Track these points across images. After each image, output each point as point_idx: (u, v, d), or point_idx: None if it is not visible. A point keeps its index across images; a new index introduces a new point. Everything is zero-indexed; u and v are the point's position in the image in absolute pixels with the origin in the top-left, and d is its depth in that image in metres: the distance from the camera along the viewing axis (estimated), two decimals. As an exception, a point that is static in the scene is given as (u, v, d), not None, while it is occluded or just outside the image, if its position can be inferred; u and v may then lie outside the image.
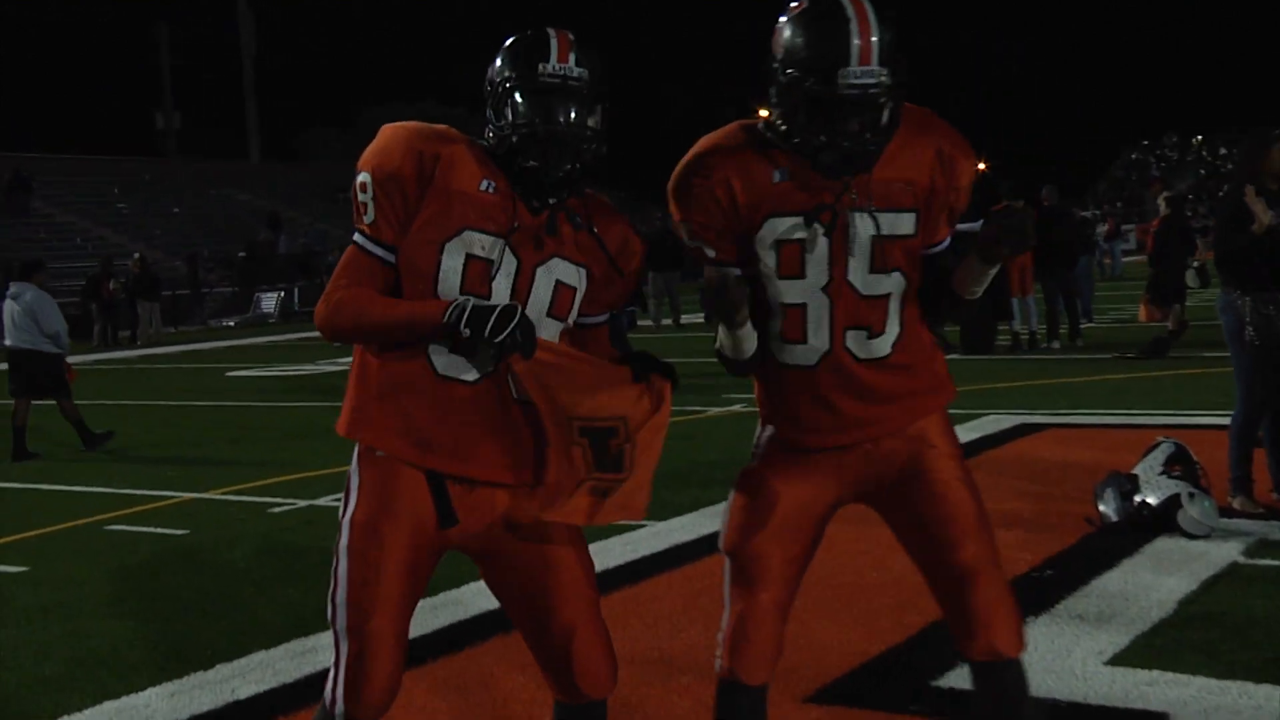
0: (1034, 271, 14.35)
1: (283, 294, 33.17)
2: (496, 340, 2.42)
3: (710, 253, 2.75)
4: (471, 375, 2.55)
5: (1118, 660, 4.18)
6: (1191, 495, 5.71)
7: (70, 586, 6.06)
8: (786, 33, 2.63)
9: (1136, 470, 5.99)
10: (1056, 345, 14.31)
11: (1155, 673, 4.03)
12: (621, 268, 2.74)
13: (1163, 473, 5.86)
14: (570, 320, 2.69)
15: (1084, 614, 4.68)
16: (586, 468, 2.55)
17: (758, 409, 2.95)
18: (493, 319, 2.42)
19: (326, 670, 2.61)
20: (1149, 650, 4.26)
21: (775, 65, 2.65)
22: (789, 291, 2.70)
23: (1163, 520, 5.72)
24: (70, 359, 11.00)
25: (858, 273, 2.68)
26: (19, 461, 10.42)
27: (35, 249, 35.24)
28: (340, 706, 2.53)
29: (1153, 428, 7.96)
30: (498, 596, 2.75)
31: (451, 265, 2.53)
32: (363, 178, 2.57)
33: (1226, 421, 6.33)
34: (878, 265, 2.68)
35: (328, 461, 9.05)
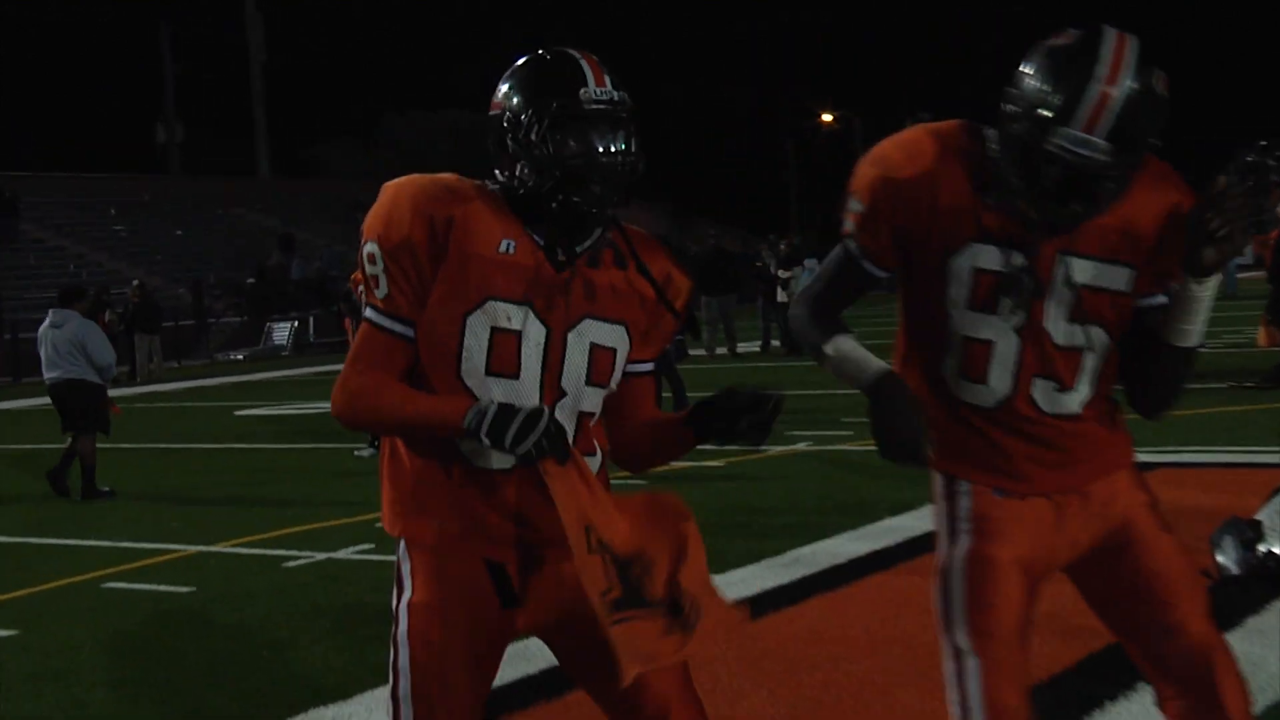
0: None
1: (296, 324, 33.33)
2: (518, 451, 2.42)
3: (869, 264, 2.75)
4: (507, 463, 2.55)
5: (1240, 730, 4.12)
6: (1321, 542, 5.65)
7: (65, 651, 6.11)
8: (1032, 60, 2.58)
9: (1260, 516, 5.93)
10: None
11: (1282, 745, 3.99)
12: (671, 301, 2.73)
13: (1289, 518, 5.80)
14: (614, 384, 2.68)
15: (1200, 678, 4.62)
16: (608, 583, 2.52)
17: (944, 470, 2.87)
18: (514, 428, 2.41)
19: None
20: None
21: (1011, 88, 2.59)
22: (976, 326, 2.69)
23: (1290, 572, 5.67)
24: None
25: (1056, 320, 2.67)
26: (88, 499, 10.63)
27: (22, 276, 35.83)
28: None
29: (1277, 467, 7.87)
30: (573, 674, 2.79)
31: (475, 343, 2.53)
32: (370, 248, 2.55)
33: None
34: (1078, 315, 2.67)
35: (348, 510, 9.13)
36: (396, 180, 2.59)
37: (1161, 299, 2.72)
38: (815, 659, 5.01)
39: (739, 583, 6.39)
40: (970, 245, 2.65)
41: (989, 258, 2.64)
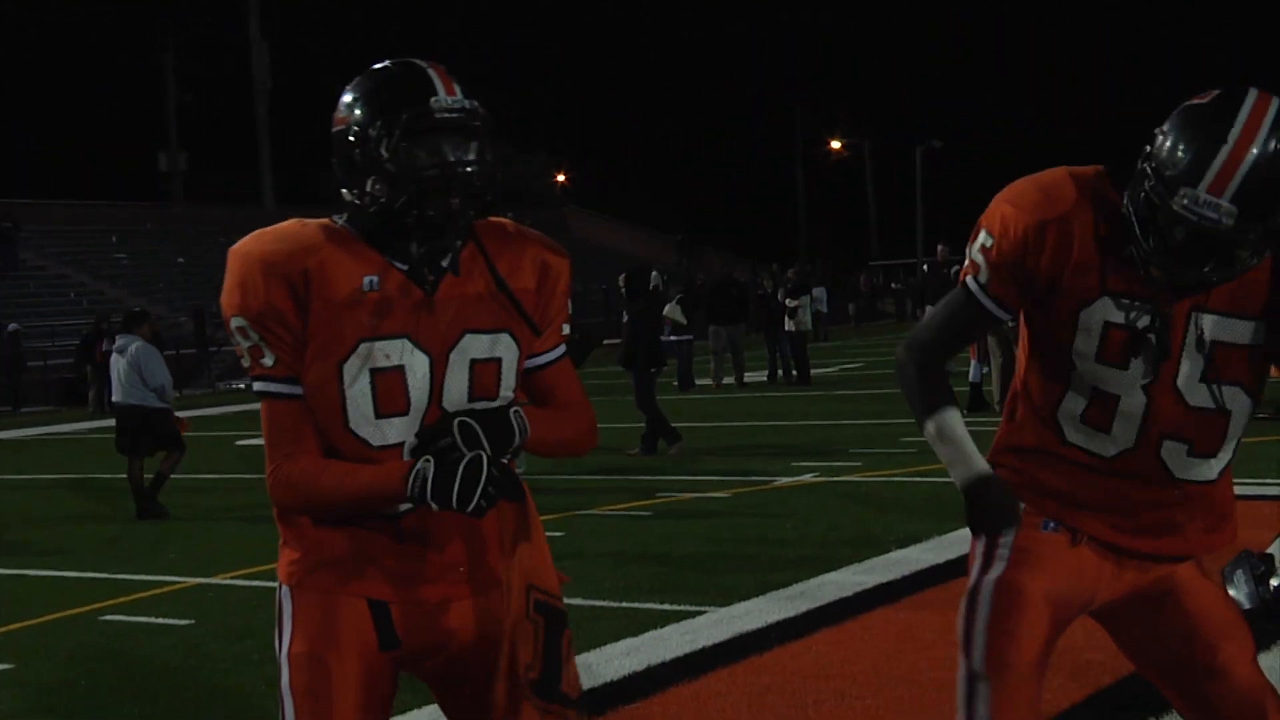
0: None
1: (299, 354, 33.39)
2: (468, 511, 2.36)
3: (993, 306, 2.72)
4: (403, 506, 2.48)
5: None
6: (1334, 577, 5.63)
7: (61, 687, 6.11)
8: (1171, 120, 2.55)
9: (1273, 549, 5.91)
10: None
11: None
12: (547, 298, 2.63)
13: (1301, 551, 5.79)
14: (505, 391, 2.58)
15: (1212, 714, 4.60)
16: (535, 658, 2.50)
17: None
18: (457, 487, 2.33)
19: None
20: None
21: (1147, 146, 2.57)
22: (1104, 379, 2.67)
23: (1304, 606, 5.65)
24: (61, 427, 11.22)
25: (1190, 380, 2.66)
26: (144, 519, 10.87)
27: (23, 305, 35.91)
28: None
29: (1289, 498, 7.85)
30: (449, 714, 2.69)
31: (358, 390, 2.44)
32: (236, 322, 2.46)
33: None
34: (1212, 375, 2.65)
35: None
36: (238, 246, 2.50)
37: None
38: (820, 694, 4.99)
39: (745, 615, 6.38)
40: (1103, 298, 2.62)
41: (1121, 313, 2.62)
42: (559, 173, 64.62)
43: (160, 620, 7.31)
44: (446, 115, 2.46)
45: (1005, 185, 2.75)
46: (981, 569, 2.77)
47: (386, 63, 2.58)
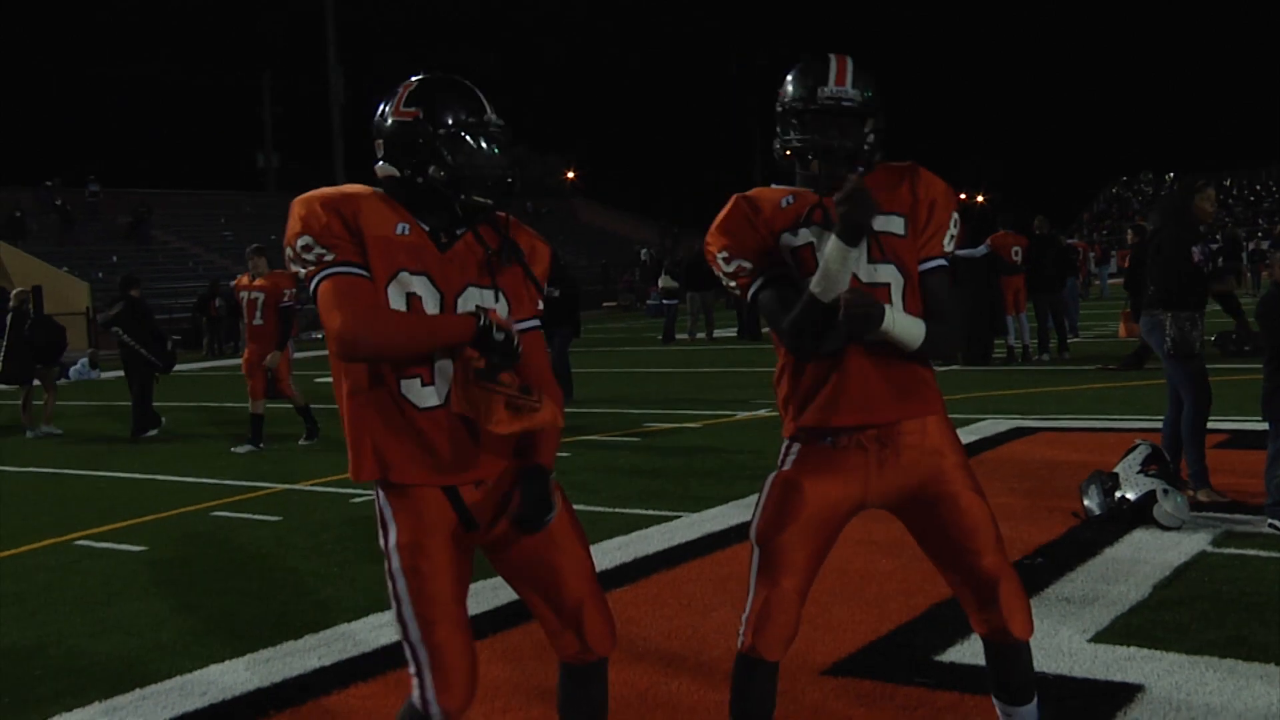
0: (1026, 292, 14.28)
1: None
2: (512, 356, 2.46)
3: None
4: (436, 400, 2.48)
5: (1099, 638, 4.13)
6: (1166, 491, 5.66)
7: (181, 565, 6.13)
8: (787, 79, 2.77)
9: (1117, 469, 5.93)
10: (1046, 358, 14.21)
11: (1133, 649, 3.99)
12: (533, 271, 2.65)
13: (1140, 471, 5.80)
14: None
15: (1070, 597, 4.63)
16: (477, 354, 2.48)
17: (781, 414, 2.88)
18: (516, 339, 2.45)
19: (399, 643, 2.59)
20: (1127, 629, 4.22)
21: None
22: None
23: (1140, 514, 5.67)
24: (181, 367, 11.18)
25: (859, 263, 2.66)
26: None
27: (154, 272, 35.77)
28: (435, 708, 2.49)
29: (1131, 431, 7.88)
30: (509, 579, 2.67)
31: (398, 305, 2.46)
32: (304, 240, 2.44)
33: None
34: (874, 256, 2.68)
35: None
36: (300, 197, 2.50)
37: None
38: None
39: (712, 519, 6.39)
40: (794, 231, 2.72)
41: (799, 239, 2.72)
42: (569, 170, 64.23)
43: (256, 516, 7.30)
44: (496, 129, 2.54)
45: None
46: (778, 467, 2.80)
47: (438, 75, 2.59)
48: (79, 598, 5.55)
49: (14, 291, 13.55)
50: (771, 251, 2.74)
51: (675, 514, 6.58)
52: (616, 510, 6.82)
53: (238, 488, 8.45)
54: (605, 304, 42.30)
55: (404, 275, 2.46)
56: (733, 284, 2.82)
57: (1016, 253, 14.23)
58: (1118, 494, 5.78)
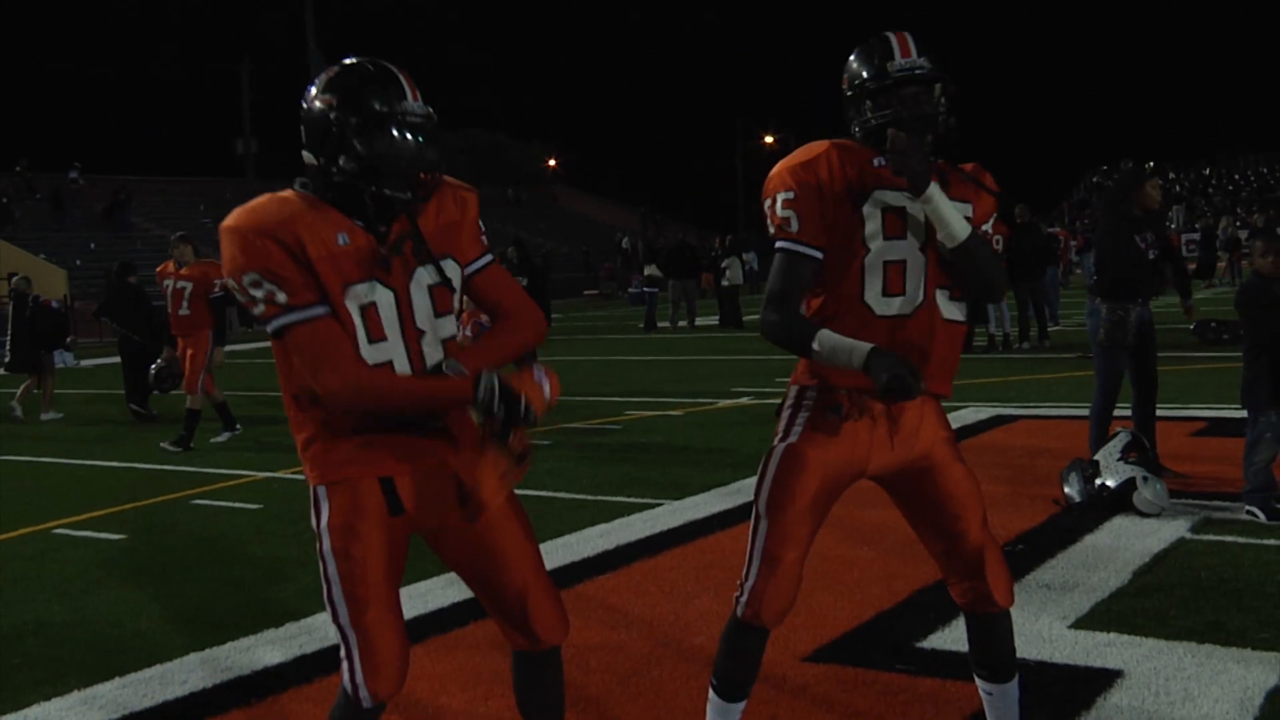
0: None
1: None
2: (529, 415, 2.41)
3: (804, 247, 2.72)
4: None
5: (1079, 624, 4.16)
6: (1145, 479, 5.69)
7: (161, 553, 6.09)
8: (850, 62, 2.80)
9: (1097, 457, 5.96)
10: (1026, 346, 14.28)
11: (1112, 634, 4.02)
12: (469, 220, 2.60)
13: (1120, 459, 5.83)
14: (457, 304, 2.57)
15: (1050, 583, 4.65)
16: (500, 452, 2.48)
17: (799, 384, 2.81)
18: (523, 406, 2.40)
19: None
20: (1107, 615, 4.24)
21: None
22: (891, 251, 2.69)
23: (1120, 501, 5.70)
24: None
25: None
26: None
27: (135, 259, 35.49)
28: (364, 692, 2.46)
29: (1112, 419, 7.91)
30: (454, 567, 2.65)
31: (355, 320, 2.40)
32: (250, 278, 2.35)
33: (1177, 414, 6.31)
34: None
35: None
36: (230, 222, 2.41)
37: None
38: (751, 566, 5.01)
39: (693, 506, 6.39)
40: (876, 192, 2.68)
41: (892, 197, 2.69)
42: (550, 158, 64.08)
43: (237, 504, 7.27)
44: (414, 118, 2.44)
45: None
46: (781, 438, 2.79)
47: (362, 60, 2.50)
48: (57, 586, 5.52)
49: (14, 279, 13.48)
50: (841, 213, 2.66)
51: (657, 501, 6.58)
52: (598, 498, 6.81)
53: (217, 475, 8.41)
54: (586, 292, 42.26)
55: (355, 289, 2.40)
56: (772, 228, 2.73)
57: (998, 241, 14.24)
58: (1098, 481, 5.82)
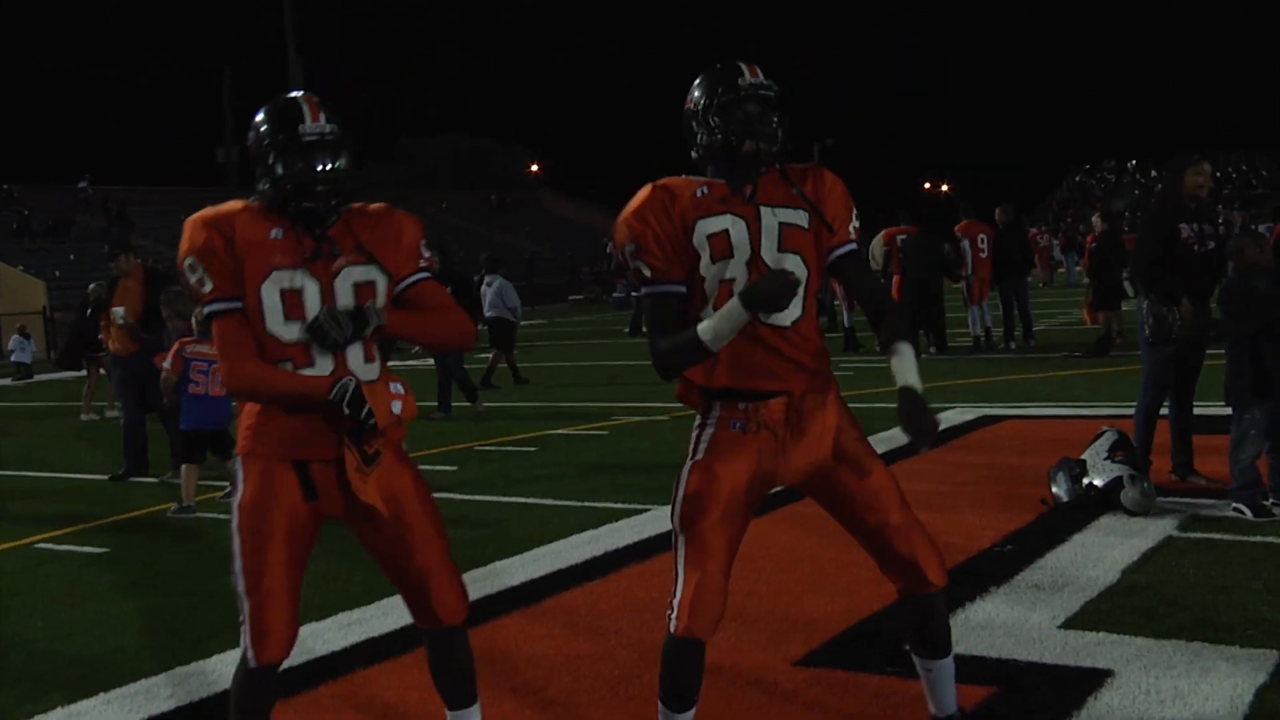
0: (989, 282, 14.37)
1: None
2: (369, 421, 2.75)
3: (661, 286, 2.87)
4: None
5: (1069, 624, 4.17)
6: (1133, 478, 5.71)
7: (145, 566, 6.06)
8: (693, 91, 2.93)
9: (1084, 456, 5.98)
10: (1013, 346, 14.30)
11: (1102, 634, 4.02)
12: (406, 245, 2.92)
13: (1107, 458, 5.85)
14: (379, 302, 2.86)
15: (1039, 583, 4.66)
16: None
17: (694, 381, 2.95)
18: (365, 408, 2.74)
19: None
20: (1096, 614, 4.25)
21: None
22: (722, 273, 2.82)
23: (1107, 500, 5.72)
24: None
25: (769, 251, 2.82)
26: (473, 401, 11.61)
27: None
28: (250, 653, 2.80)
29: (1098, 418, 7.94)
30: (369, 550, 2.93)
31: (271, 303, 2.77)
32: (188, 261, 2.79)
33: (1165, 412, 6.33)
34: (783, 246, 2.83)
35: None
36: (192, 216, 2.83)
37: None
38: (742, 573, 4.93)
39: (680, 511, 6.38)
40: (717, 217, 2.81)
41: (717, 223, 2.81)
42: (534, 162, 64.06)
43: (222, 516, 7.22)
44: (310, 138, 2.79)
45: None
46: (690, 456, 2.90)
47: (283, 95, 2.92)
48: (40, 601, 5.48)
49: (91, 287, 13.81)
50: (679, 248, 2.82)
51: (645, 507, 6.57)
52: (585, 504, 6.80)
53: (201, 487, 8.36)
54: (571, 297, 42.23)
55: (277, 273, 2.78)
56: (632, 277, 2.91)
57: (982, 240, 14.29)
58: (1085, 480, 5.83)
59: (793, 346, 2.84)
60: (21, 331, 23.07)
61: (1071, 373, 11.52)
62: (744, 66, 2.88)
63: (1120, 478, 5.71)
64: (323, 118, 2.80)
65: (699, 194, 2.83)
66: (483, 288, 13.94)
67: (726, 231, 2.80)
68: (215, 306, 2.79)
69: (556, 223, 55.34)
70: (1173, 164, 6.47)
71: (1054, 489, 5.97)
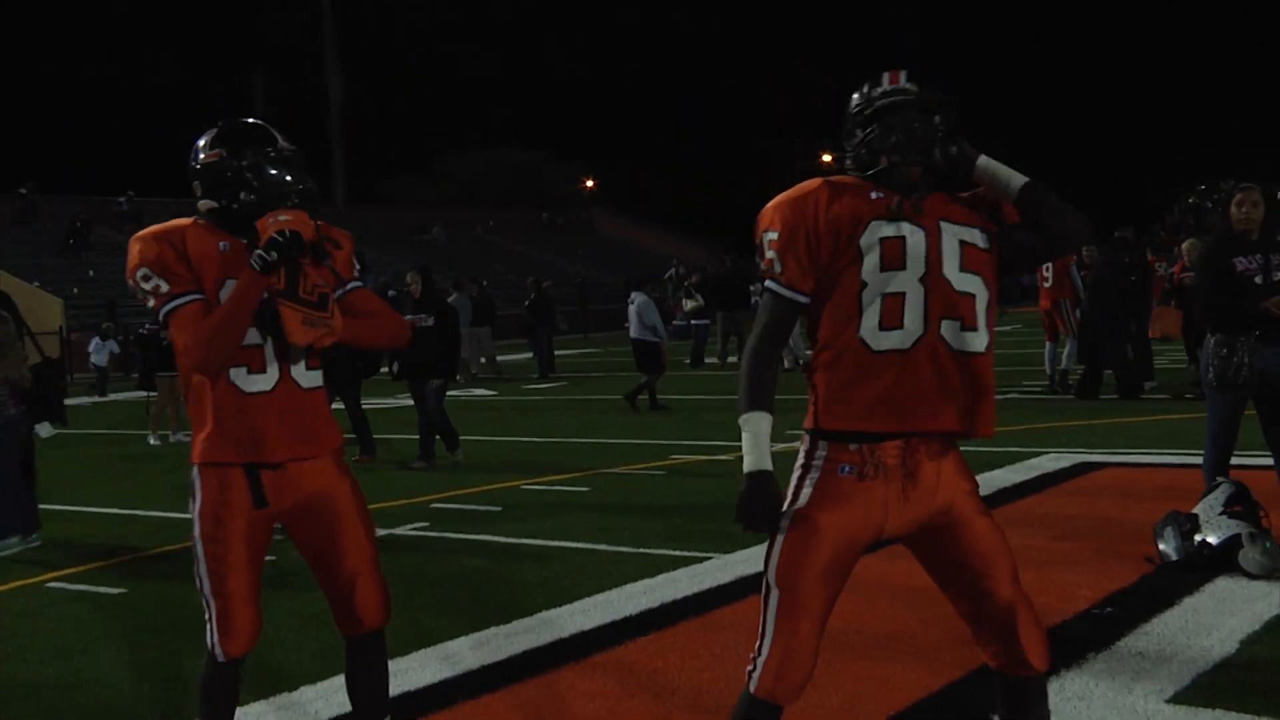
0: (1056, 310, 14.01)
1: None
2: (288, 250, 3.11)
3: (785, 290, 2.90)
4: (268, 384, 3.21)
5: (1179, 699, 4.09)
6: (1253, 535, 5.60)
7: (163, 609, 6.15)
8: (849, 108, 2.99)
9: (1197, 510, 5.88)
10: (1154, 384, 13.82)
11: (1218, 712, 3.94)
12: (344, 255, 3.42)
13: (1223, 512, 5.75)
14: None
15: (1145, 652, 4.59)
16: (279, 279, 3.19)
17: (807, 428, 2.98)
18: (284, 240, 3.11)
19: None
20: (1211, 690, 4.17)
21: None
22: (889, 283, 2.78)
23: (1223, 560, 5.62)
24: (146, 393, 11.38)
25: (951, 269, 2.80)
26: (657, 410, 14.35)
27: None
28: (219, 649, 3.27)
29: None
30: (301, 551, 3.38)
31: None
32: (142, 273, 3.16)
33: (1261, 459, 6.23)
34: (964, 265, 2.81)
35: (407, 493, 9.16)
36: (139, 234, 3.22)
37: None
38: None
39: (745, 560, 6.36)
40: (872, 223, 2.80)
41: (890, 228, 2.79)
42: (588, 178, 64.49)
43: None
44: (286, 153, 3.27)
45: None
46: (790, 503, 2.87)
47: (238, 120, 3.35)
48: (52, 645, 5.58)
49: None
50: (830, 252, 2.79)
51: (706, 555, 6.56)
52: (641, 550, 6.81)
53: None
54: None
55: (231, 283, 3.16)
56: (761, 264, 2.91)
57: (1048, 269, 13.84)
58: (1197, 537, 5.74)
59: (970, 378, 2.79)
60: (101, 333, 24.64)
61: (1183, 416, 11.33)
62: (885, 75, 2.96)
63: (1238, 535, 5.61)
64: (283, 140, 3.30)
65: (874, 196, 2.82)
66: (628, 308, 15.32)
67: (904, 240, 2.77)
68: (178, 301, 3.15)
69: (612, 244, 55.54)
70: (1226, 194, 6.49)
71: (1161, 546, 5.87)
